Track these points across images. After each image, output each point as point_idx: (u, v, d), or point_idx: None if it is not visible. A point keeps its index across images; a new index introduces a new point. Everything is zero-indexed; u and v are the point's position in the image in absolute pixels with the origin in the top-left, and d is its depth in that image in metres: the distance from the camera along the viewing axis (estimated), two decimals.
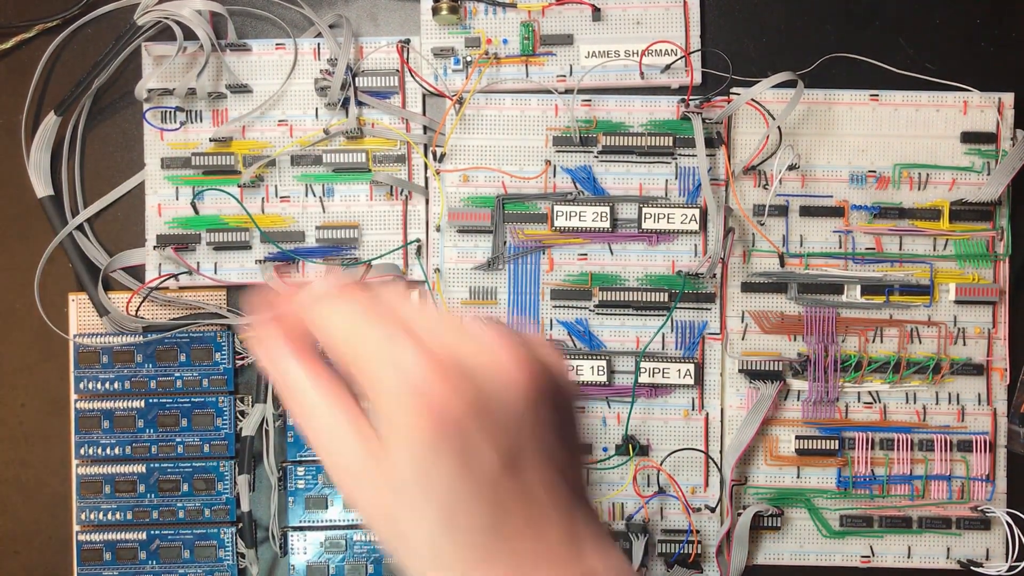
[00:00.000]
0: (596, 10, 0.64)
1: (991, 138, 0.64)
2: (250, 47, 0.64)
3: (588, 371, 0.63)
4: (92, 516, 0.63)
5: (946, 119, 0.64)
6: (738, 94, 0.62)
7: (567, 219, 0.63)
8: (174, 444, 0.63)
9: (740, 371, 0.64)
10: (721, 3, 0.66)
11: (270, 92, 0.64)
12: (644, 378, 0.63)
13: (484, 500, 0.32)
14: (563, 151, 0.64)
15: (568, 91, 0.64)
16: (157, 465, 0.63)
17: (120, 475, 0.63)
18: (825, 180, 0.64)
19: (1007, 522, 0.63)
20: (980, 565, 0.63)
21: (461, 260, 0.64)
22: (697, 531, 0.63)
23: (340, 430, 0.33)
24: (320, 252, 0.63)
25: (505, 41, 0.64)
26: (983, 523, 0.63)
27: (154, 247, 0.64)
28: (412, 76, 0.64)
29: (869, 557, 0.64)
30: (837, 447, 0.63)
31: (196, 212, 0.64)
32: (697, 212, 0.63)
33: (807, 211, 0.64)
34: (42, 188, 0.64)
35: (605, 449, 0.64)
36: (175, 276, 0.64)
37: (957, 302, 0.64)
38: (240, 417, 0.63)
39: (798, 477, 0.64)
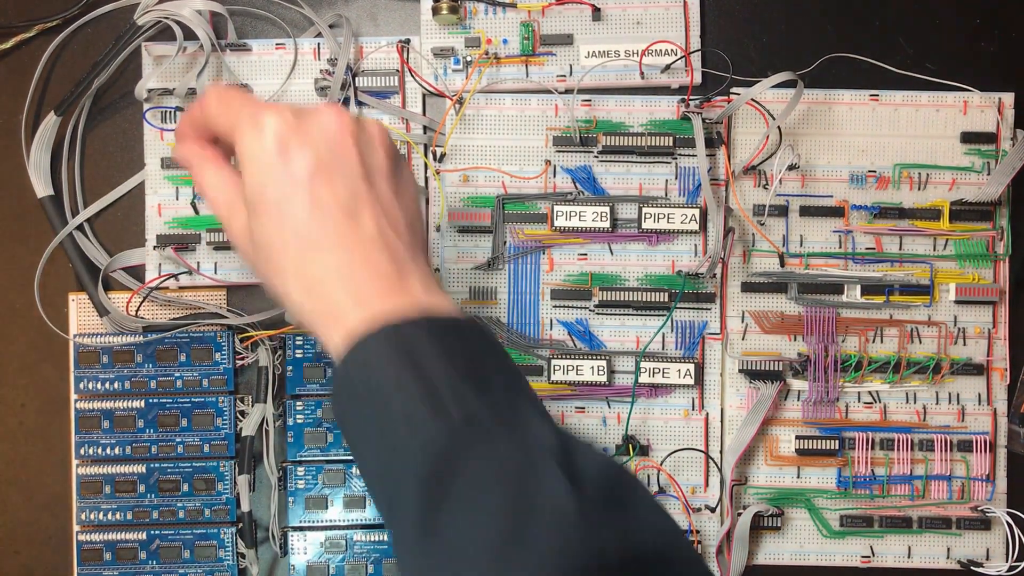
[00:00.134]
0: (596, 10, 0.64)
1: (991, 138, 0.64)
2: (250, 47, 0.64)
3: (588, 371, 0.63)
4: (92, 516, 0.63)
5: (946, 119, 0.64)
6: (738, 94, 0.62)
7: (567, 219, 0.63)
8: (174, 444, 0.63)
9: (740, 371, 0.64)
10: (721, 3, 0.66)
11: (270, 92, 0.64)
12: (644, 378, 0.63)
13: (303, 203, 0.44)
14: (563, 151, 0.64)
15: (568, 91, 0.64)
16: (157, 465, 0.63)
17: (120, 475, 0.63)
18: (825, 180, 0.64)
19: (1007, 522, 0.63)
20: (980, 565, 0.63)
21: (461, 260, 0.64)
22: (697, 531, 0.63)
23: (217, 178, 0.48)
24: None
25: (505, 41, 0.64)
26: (983, 523, 0.63)
27: (154, 247, 0.64)
28: (412, 76, 0.64)
29: (869, 557, 0.64)
30: (837, 447, 0.63)
31: (196, 212, 0.64)
32: (697, 212, 0.63)
33: (807, 211, 0.64)
34: (42, 188, 0.64)
35: (606, 449, 0.64)
36: (175, 276, 0.64)
37: (957, 302, 0.64)
38: (240, 417, 0.63)
39: (798, 477, 0.64)
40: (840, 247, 0.64)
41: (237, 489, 0.62)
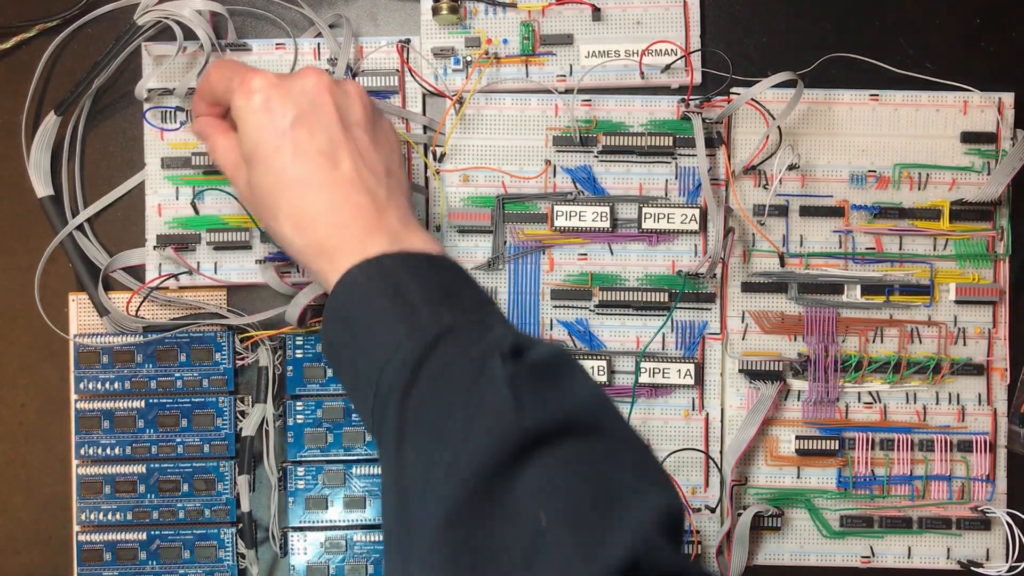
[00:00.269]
0: (596, 10, 0.64)
1: (991, 138, 0.64)
2: (250, 47, 0.64)
3: (588, 371, 0.63)
4: (92, 516, 0.63)
5: (946, 119, 0.64)
6: (738, 94, 0.62)
7: (567, 219, 0.63)
8: (174, 444, 0.63)
9: (740, 371, 0.64)
10: (721, 3, 0.66)
11: None
12: (644, 378, 0.63)
13: (287, 150, 0.50)
14: (563, 151, 0.64)
15: (568, 91, 0.64)
16: (157, 465, 0.63)
17: (120, 475, 0.63)
18: (825, 180, 0.64)
19: (1007, 522, 0.63)
20: (980, 565, 0.63)
21: (461, 260, 0.64)
22: (697, 531, 0.63)
23: (225, 143, 0.54)
24: None
25: (505, 41, 0.64)
26: (983, 523, 0.63)
27: (154, 247, 0.64)
28: (412, 76, 0.64)
29: (869, 557, 0.64)
30: (837, 447, 0.63)
31: (196, 212, 0.64)
32: (697, 212, 0.63)
33: (807, 211, 0.64)
34: (42, 188, 0.64)
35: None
36: (175, 276, 0.64)
37: (957, 302, 0.64)
38: (240, 417, 0.63)
39: (798, 477, 0.64)
40: (840, 247, 0.64)
41: (237, 489, 0.62)
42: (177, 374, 0.63)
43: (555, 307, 0.64)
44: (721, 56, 0.64)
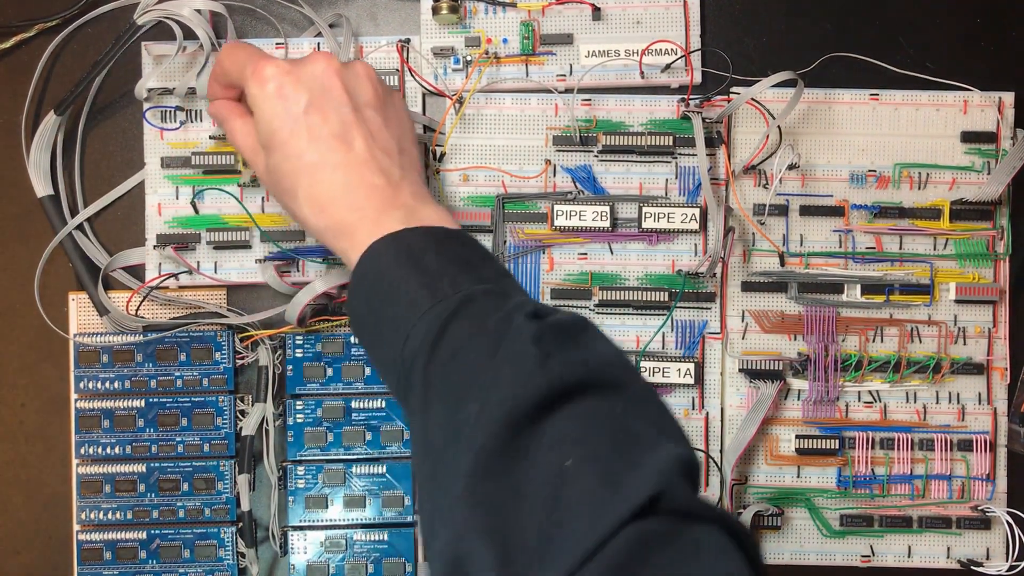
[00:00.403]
0: (596, 10, 0.64)
1: (991, 137, 0.64)
2: None
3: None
4: (92, 516, 0.63)
5: (946, 119, 0.64)
6: (738, 93, 0.62)
7: (567, 218, 0.63)
8: (174, 444, 0.63)
9: (740, 371, 0.64)
10: (721, 3, 0.66)
11: None
12: (644, 377, 0.63)
13: (302, 134, 0.52)
14: (563, 150, 0.64)
15: (568, 91, 0.64)
16: (157, 465, 0.63)
17: (120, 475, 0.63)
18: (825, 179, 0.64)
19: (1007, 522, 0.63)
20: (980, 565, 0.63)
21: None
22: None
23: (242, 127, 0.56)
24: (320, 251, 0.63)
25: (505, 40, 0.64)
26: (983, 523, 0.63)
27: (154, 247, 0.64)
28: (412, 76, 0.64)
29: (869, 557, 0.64)
30: (837, 447, 0.63)
31: (196, 211, 0.64)
32: (697, 211, 0.63)
33: (807, 210, 0.64)
34: (42, 188, 0.64)
35: None
36: (175, 275, 0.64)
37: (957, 301, 0.64)
38: (240, 416, 0.63)
39: (798, 477, 0.64)
40: (840, 247, 0.64)
41: (237, 488, 0.62)
42: (177, 373, 0.63)
43: (555, 306, 0.64)
44: (721, 56, 0.64)
